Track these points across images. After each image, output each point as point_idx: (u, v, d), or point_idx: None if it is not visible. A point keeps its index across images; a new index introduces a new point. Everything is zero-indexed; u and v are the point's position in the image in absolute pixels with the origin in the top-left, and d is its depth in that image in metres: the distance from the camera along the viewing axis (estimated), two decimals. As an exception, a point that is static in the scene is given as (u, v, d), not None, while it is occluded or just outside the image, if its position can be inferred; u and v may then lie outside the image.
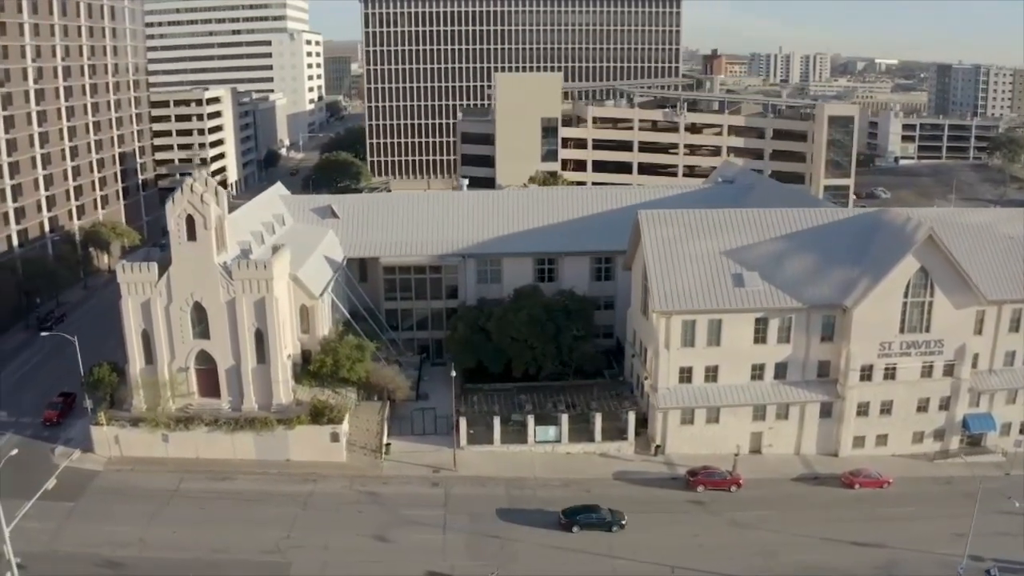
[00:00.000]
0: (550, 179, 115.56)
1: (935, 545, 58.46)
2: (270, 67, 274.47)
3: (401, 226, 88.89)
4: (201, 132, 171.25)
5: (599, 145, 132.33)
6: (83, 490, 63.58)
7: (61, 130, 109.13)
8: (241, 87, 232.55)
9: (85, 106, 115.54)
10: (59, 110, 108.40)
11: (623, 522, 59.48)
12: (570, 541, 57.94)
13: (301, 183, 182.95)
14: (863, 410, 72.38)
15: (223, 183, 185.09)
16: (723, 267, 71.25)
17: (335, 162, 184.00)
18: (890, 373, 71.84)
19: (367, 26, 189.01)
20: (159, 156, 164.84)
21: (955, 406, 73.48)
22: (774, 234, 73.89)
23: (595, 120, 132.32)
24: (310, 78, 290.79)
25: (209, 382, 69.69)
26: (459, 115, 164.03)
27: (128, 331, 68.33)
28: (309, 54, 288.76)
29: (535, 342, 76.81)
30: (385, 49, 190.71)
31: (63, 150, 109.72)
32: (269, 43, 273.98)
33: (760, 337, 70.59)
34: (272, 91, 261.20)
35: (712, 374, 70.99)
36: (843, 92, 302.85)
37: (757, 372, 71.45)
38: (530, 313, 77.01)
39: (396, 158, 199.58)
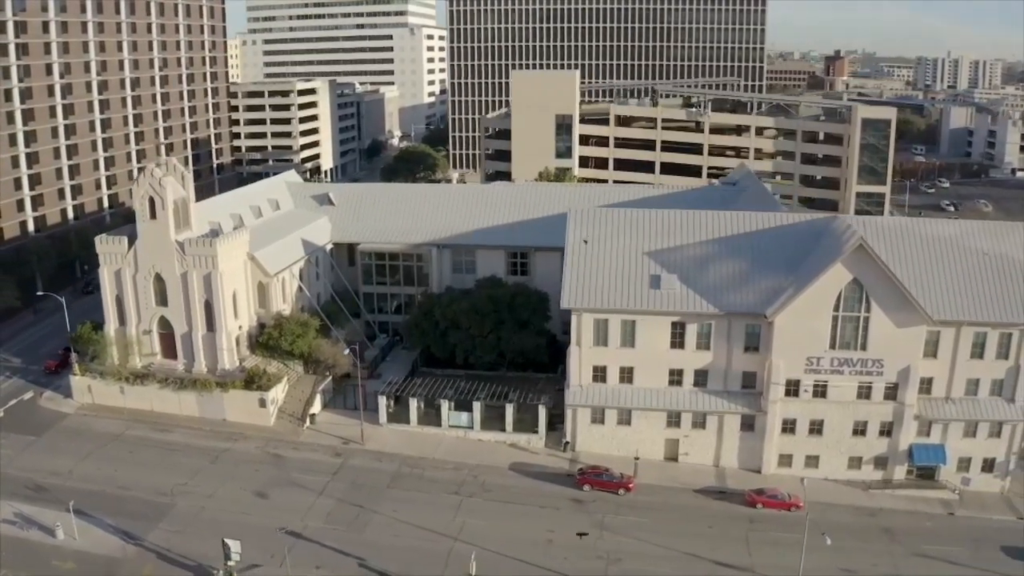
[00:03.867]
0: (561, 176, 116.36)
1: (811, 577, 55.52)
2: (391, 60, 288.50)
3: (389, 215, 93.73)
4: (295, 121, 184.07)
5: (621, 143, 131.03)
6: (49, 428, 73.66)
7: (125, 117, 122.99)
8: (363, 79, 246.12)
9: (153, 96, 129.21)
10: (123, 99, 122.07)
11: None
12: (427, 521, 60.27)
13: (380, 174, 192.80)
14: (789, 427, 69.48)
15: (317, 169, 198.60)
16: (643, 268, 70.49)
17: (414, 153, 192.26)
18: (820, 390, 68.52)
19: (452, 23, 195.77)
20: (255, 143, 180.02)
21: (899, 433, 68.85)
22: (708, 237, 72.23)
23: (618, 118, 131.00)
24: (431, 71, 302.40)
25: (169, 345, 78.01)
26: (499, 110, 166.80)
27: (104, 295, 78.00)
28: (431, 48, 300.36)
29: (475, 331, 79.41)
30: (468, 45, 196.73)
31: (126, 135, 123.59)
32: (391, 37, 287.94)
33: (677, 342, 69.37)
34: (392, 83, 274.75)
35: (627, 375, 70.60)
36: (991, 100, 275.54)
37: (675, 377, 70.19)
38: (472, 302, 79.64)
39: (475, 151, 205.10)
